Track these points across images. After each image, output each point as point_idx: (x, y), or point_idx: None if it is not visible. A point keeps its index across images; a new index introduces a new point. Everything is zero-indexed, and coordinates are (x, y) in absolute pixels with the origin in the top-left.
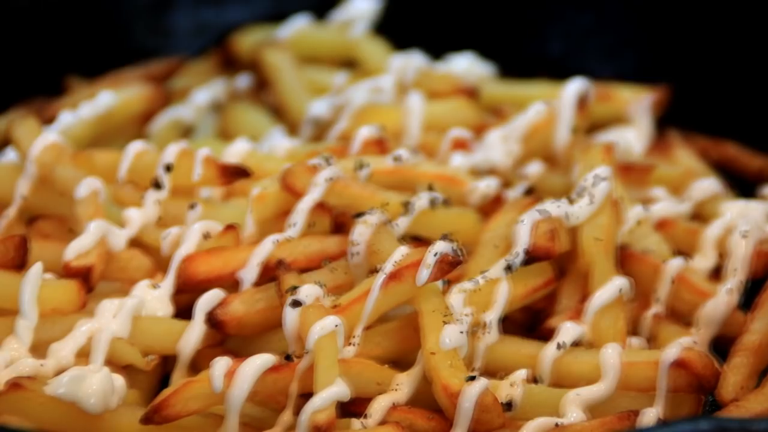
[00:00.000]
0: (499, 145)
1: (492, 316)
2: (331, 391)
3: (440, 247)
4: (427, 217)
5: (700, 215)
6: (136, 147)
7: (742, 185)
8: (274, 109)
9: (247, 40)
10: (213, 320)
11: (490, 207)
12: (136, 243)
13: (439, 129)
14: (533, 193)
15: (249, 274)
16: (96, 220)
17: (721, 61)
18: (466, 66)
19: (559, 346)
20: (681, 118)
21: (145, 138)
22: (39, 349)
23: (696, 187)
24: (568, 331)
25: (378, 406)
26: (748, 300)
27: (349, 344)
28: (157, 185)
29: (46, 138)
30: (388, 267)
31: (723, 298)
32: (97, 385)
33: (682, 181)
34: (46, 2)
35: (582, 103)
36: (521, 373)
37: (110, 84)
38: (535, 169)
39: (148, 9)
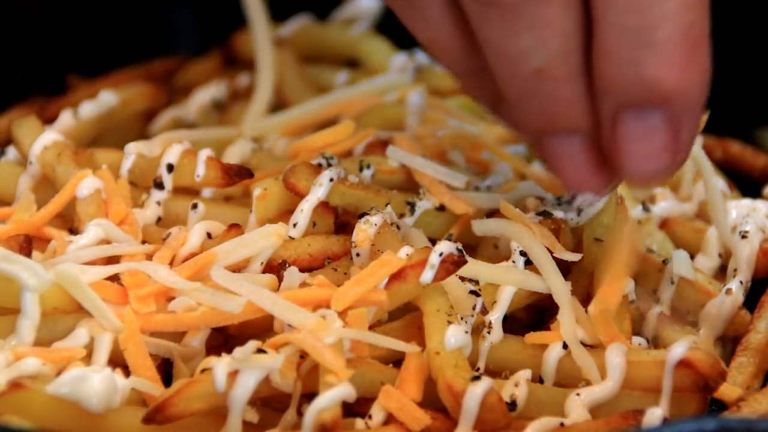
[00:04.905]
0: None
1: (496, 315)
2: (337, 390)
3: (444, 247)
4: (430, 218)
5: (705, 214)
6: (137, 146)
7: (747, 184)
8: (275, 108)
9: (249, 40)
10: None
11: None
12: None
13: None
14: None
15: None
16: (97, 219)
17: (725, 59)
18: None
19: (563, 346)
20: None
21: (146, 137)
22: None
23: (700, 186)
24: None
25: (382, 406)
26: (752, 299)
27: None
28: (159, 185)
29: (47, 137)
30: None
31: (727, 298)
32: (99, 385)
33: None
34: (48, 0)
35: None
36: (525, 373)
37: (112, 83)
38: (539, 167)
39: (150, 8)
